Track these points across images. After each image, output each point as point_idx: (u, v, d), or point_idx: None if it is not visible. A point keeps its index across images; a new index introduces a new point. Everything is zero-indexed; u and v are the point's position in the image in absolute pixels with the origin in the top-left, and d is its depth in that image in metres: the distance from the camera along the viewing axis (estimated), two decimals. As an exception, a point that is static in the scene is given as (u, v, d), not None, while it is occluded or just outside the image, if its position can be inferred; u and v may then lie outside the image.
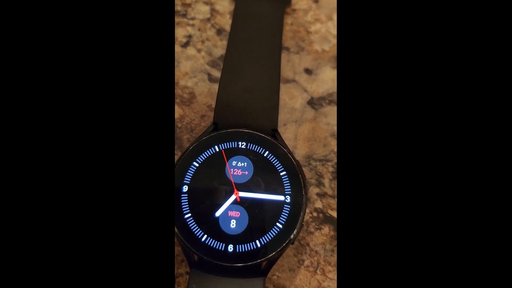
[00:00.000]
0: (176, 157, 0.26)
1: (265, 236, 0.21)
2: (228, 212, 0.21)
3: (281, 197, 0.21)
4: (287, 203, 0.21)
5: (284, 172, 0.22)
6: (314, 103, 0.28)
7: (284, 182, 0.22)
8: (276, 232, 0.21)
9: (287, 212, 0.21)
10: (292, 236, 0.21)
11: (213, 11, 0.31)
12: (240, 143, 0.22)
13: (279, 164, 0.22)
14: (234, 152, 0.22)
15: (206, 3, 0.31)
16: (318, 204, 0.25)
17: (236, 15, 0.27)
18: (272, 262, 0.21)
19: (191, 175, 0.22)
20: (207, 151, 0.22)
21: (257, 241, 0.21)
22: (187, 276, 0.23)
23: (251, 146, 0.22)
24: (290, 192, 0.21)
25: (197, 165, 0.22)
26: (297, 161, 0.22)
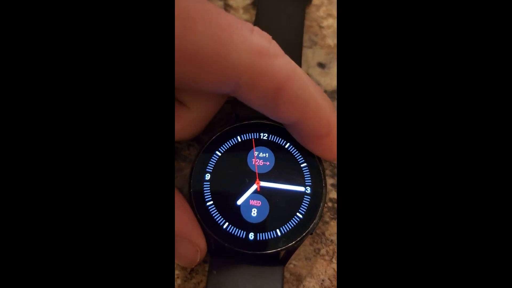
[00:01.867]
0: (195, 149, 0.27)
1: (285, 225, 0.21)
2: (250, 201, 0.22)
3: (301, 188, 0.22)
4: (307, 194, 0.22)
5: (305, 164, 0.22)
6: (327, 96, 0.29)
7: (304, 174, 0.22)
8: (296, 222, 0.21)
9: (307, 202, 0.22)
10: (311, 226, 0.21)
11: (227, 6, 0.32)
12: (262, 134, 0.23)
13: (300, 156, 0.22)
14: (256, 143, 0.23)
15: (220, -2, 0.32)
16: (333, 195, 0.26)
17: (259, 14, 0.28)
18: (291, 251, 0.22)
19: (214, 164, 0.22)
20: (230, 141, 0.23)
21: (278, 230, 0.21)
22: (205, 264, 0.24)
23: (273, 138, 0.23)
24: (310, 183, 0.22)
25: (219, 154, 0.22)
26: None
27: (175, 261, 0.23)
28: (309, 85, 0.20)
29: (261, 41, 0.19)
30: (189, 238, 0.21)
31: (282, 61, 0.19)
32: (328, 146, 0.21)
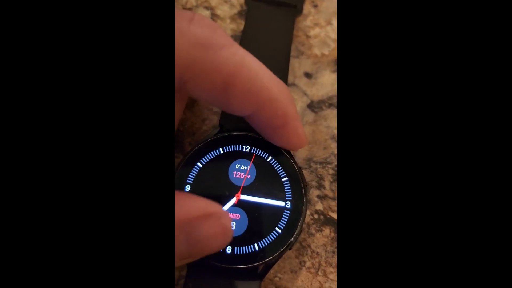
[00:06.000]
0: (177, 160, 0.27)
1: (263, 240, 0.21)
2: (229, 214, 0.21)
3: (281, 203, 0.22)
4: (287, 209, 0.22)
5: (286, 178, 0.22)
6: (314, 106, 0.29)
7: (285, 188, 0.22)
8: (275, 236, 0.21)
9: (287, 217, 0.21)
10: (290, 241, 0.21)
11: (214, 15, 0.31)
12: (244, 146, 0.23)
13: (281, 169, 0.22)
14: (238, 155, 0.23)
15: (207, 8, 0.32)
16: (319, 206, 0.26)
17: (247, 23, 0.27)
18: (269, 266, 0.22)
19: (194, 175, 0.22)
20: (212, 152, 0.23)
21: (256, 244, 0.21)
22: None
23: (255, 151, 0.23)
24: (290, 198, 0.22)
25: (200, 165, 0.22)
26: (299, 168, 0.23)
27: (200, 249, 0.19)
28: (261, 74, 0.18)
29: (202, 32, 0.17)
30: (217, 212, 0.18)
31: (228, 52, 0.17)
32: (286, 137, 0.20)
